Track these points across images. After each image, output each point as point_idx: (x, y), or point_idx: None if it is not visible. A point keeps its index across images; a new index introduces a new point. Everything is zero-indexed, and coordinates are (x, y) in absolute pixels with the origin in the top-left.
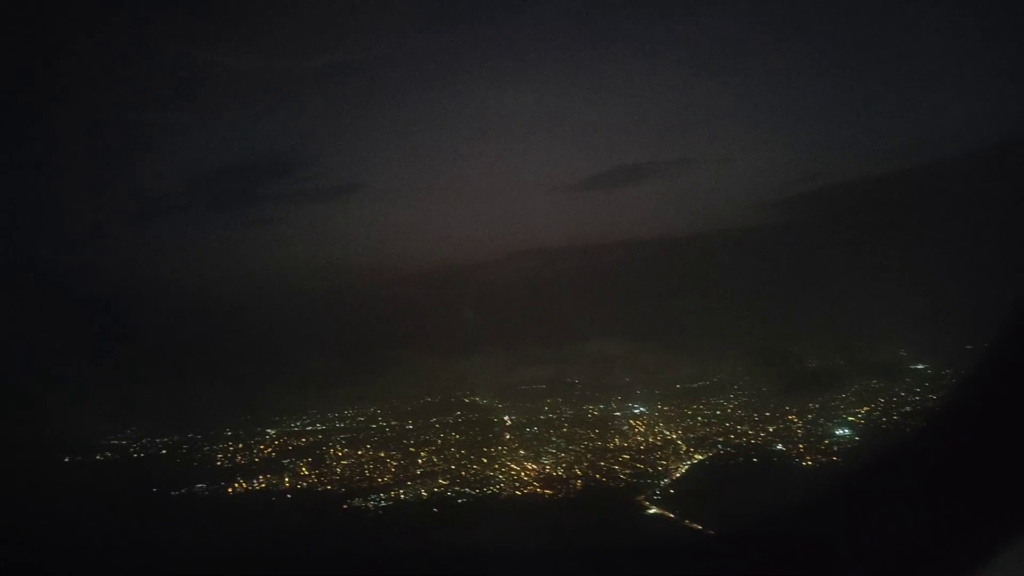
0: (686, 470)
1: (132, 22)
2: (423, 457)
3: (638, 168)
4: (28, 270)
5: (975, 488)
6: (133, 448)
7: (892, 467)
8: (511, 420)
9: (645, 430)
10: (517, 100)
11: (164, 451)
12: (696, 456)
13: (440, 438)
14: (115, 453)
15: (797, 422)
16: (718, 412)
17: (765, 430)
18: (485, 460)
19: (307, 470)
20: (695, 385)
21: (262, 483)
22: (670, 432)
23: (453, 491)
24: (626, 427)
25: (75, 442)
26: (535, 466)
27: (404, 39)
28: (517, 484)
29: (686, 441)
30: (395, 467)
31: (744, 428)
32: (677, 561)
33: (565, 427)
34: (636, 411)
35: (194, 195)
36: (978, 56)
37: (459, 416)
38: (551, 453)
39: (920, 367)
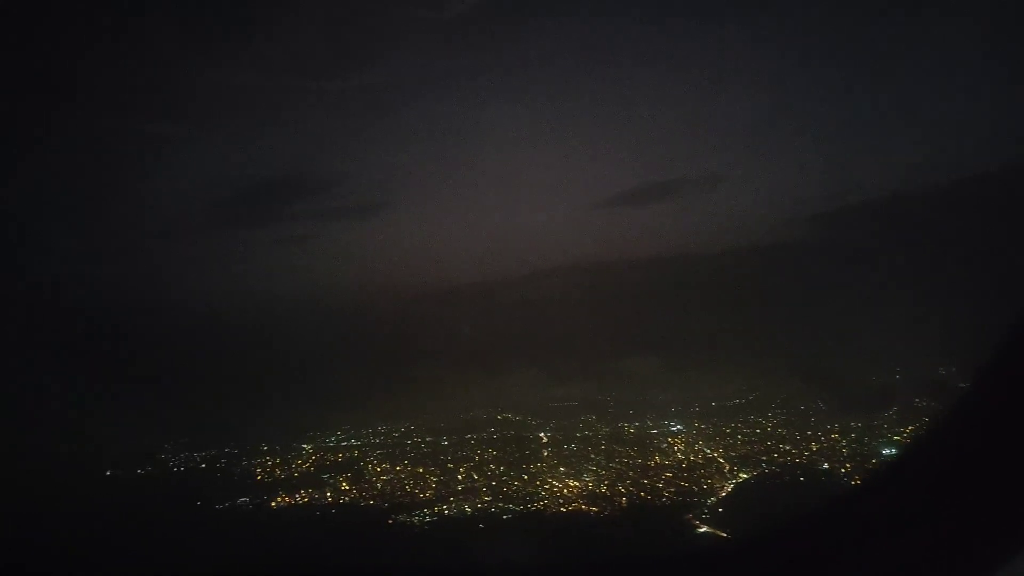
0: (732, 489)
1: (171, 43)
2: (462, 473)
3: (667, 184)
4: (58, 286)
5: (980, 498)
6: (173, 462)
7: (898, 476)
8: (547, 437)
9: (685, 448)
10: (545, 118)
11: (203, 465)
12: (741, 475)
13: (477, 454)
14: (155, 467)
15: (841, 441)
16: (758, 430)
17: (808, 449)
18: (526, 477)
19: (347, 485)
20: (731, 403)
21: (304, 497)
22: (711, 450)
23: (497, 507)
24: (665, 445)
25: (116, 456)
26: (577, 483)
27: (433, 59)
28: (561, 501)
29: (729, 460)
30: (435, 483)
31: (787, 447)
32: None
33: (603, 444)
34: (673, 429)
35: (224, 213)
36: (1015, 68)
37: (494, 433)
38: (592, 470)
39: (966, 384)
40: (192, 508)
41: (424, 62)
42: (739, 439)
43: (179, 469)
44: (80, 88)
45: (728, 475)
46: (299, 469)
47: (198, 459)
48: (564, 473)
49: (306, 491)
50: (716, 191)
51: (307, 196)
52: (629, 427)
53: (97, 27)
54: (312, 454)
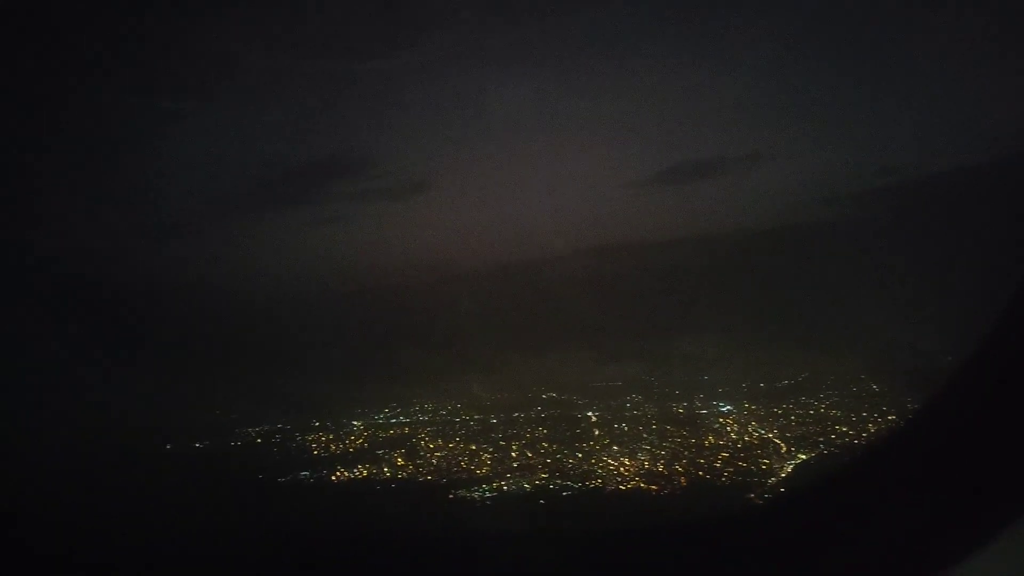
0: (792, 469)
1: (210, 23)
2: (516, 450)
3: (707, 163)
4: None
5: (970, 475)
6: (229, 436)
7: (888, 455)
8: (596, 416)
9: (738, 428)
10: (583, 95)
11: (259, 440)
12: (799, 456)
13: (528, 432)
14: (212, 441)
15: (900, 423)
16: (811, 412)
17: (866, 430)
18: (579, 455)
19: (403, 460)
20: (780, 384)
21: (363, 472)
22: (765, 431)
23: (555, 484)
24: (717, 425)
25: (172, 431)
26: (632, 462)
27: (470, 38)
28: (618, 479)
29: (785, 440)
30: (490, 460)
31: (843, 428)
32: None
33: (654, 424)
34: (723, 409)
35: (263, 194)
36: None
37: (541, 412)
38: (645, 449)
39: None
40: (256, 480)
41: (464, 41)
42: (792, 420)
43: (236, 444)
44: (114, 68)
45: (786, 456)
46: (353, 445)
47: (253, 434)
48: (618, 452)
49: (363, 466)
50: (757, 169)
51: (344, 177)
52: (677, 407)
53: (133, 7)
54: (363, 430)
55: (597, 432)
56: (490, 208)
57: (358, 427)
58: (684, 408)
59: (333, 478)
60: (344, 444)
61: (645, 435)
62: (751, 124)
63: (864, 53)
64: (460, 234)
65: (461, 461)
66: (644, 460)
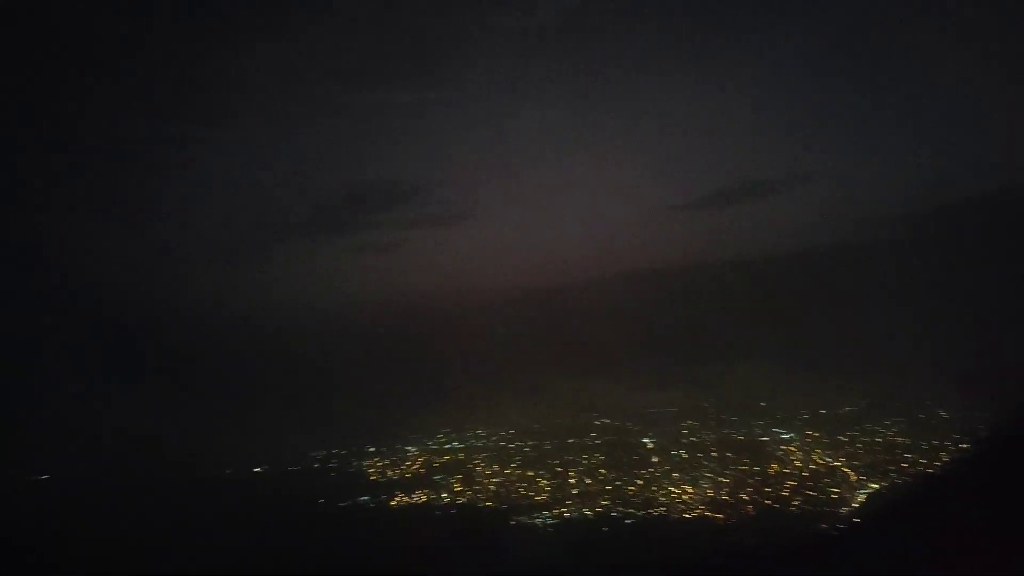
0: (864, 499)
1: (264, 60)
2: (574, 477)
3: (754, 185)
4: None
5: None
6: (287, 461)
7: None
8: (652, 443)
9: (803, 456)
10: (627, 120)
11: (316, 464)
12: (871, 485)
13: (584, 459)
14: (271, 466)
15: (973, 450)
16: (878, 439)
17: (938, 459)
18: (640, 482)
19: (460, 486)
20: (842, 411)
21: (422, 497)
22: (831, 459)
23: (618, 511)
24: (780, 453)
25: (228, 457)
26: (695, 489)
27: (514, 68)
28: (682, 507)
29: (854, 469)
30: (548, 487)
31: (915, 456)
32: None
33: (714, 451)
34: (784, 436)
35: (312, 223)
36: None
37: (596, 438)
38: (708, 477)
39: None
40: (316, 505)
41: (509, 71)
42: (859, 448)
43: (294, 468)
44: (167, 98)
45: (856, 485)
46: (409, 470)
47: (310, 459)
48: (679, 479)
49: (422, 491)
50: (804, 190)
51: (391, 206)
52: (736, 434)
53: (199, 39)
54: (419, 456)
55: (655, 459)
56: (535, 233)
57: (413, 452)
58: (743, 435)
59: (392, 503)
60: (400, 469)
61: (706, 462)
62: (797, 145)
63: (915, 74)
64: (505, 259)
65: (520, 488)
66: (707, 488)
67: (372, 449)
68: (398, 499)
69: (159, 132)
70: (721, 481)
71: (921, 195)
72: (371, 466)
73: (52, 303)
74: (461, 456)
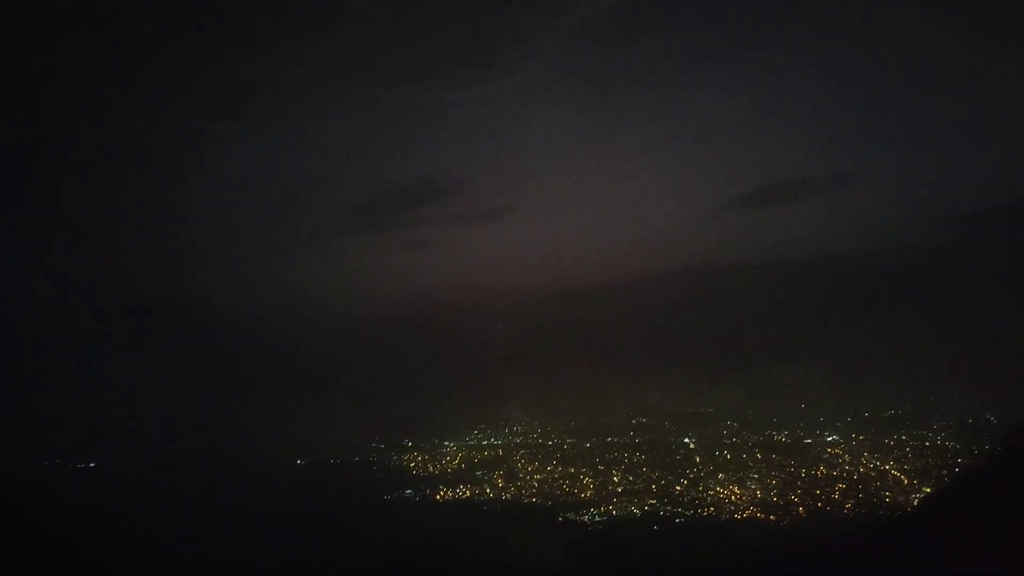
0: (918, 503)
1: (319, 58)
2: (616, 475)
3: (792, 185)
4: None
5: None
6: (329, 455)
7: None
8: (694, 444)
9: (851, 460)
10: (667, 119)
11: (356, 458)
12: (924, 489)
13: (626, 457)
14: (312, 459)
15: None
16: (927, 444)
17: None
18: (685, 482)
19: (503, 482)
20: (886, 415)
21: (466, 492)
22: (880, 463)
23: (666, 510)
24: (826, 456)
25: (275, 450)
26: (742, 490)
27: (554, 65)
28: (731, 507)
29: (904, 473)
30: (592, 484)
31: (967, 461)
32: None
33: (758, 453)
34: (829, 439)
35: (353, 219)
36: None
37: (635, 437)
38: (754, 478)
39: None
40: (361, 498)
41: (550, 69)
42: (908, 452)
43: (336, 461)
44: (218, 97)
45: (909, 489)
46: (450, 466)
47: (351, 452)
48: (725, 480)
49: (465, 486)
50: (846, 191)
51: (432, 203)
52: (778, 436)
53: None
54: (457, 451)
55: (698, 459)
56: (572, 231)
57: (451, 447)
58: (786, 437)
59: (438, 497)
60: (441, 464)
61: (750, 464)
62: (839, 145)
63: (962, 70)
64: (543, 257)
65: (563, 484)
66: (755, 489)
67: (410, 444)
68: (442, 493)
69: (203, 128)
70: (769, 483)
71: (967, 197)
72: (411, 460)
73: (96, 300)
74: (501, 452)
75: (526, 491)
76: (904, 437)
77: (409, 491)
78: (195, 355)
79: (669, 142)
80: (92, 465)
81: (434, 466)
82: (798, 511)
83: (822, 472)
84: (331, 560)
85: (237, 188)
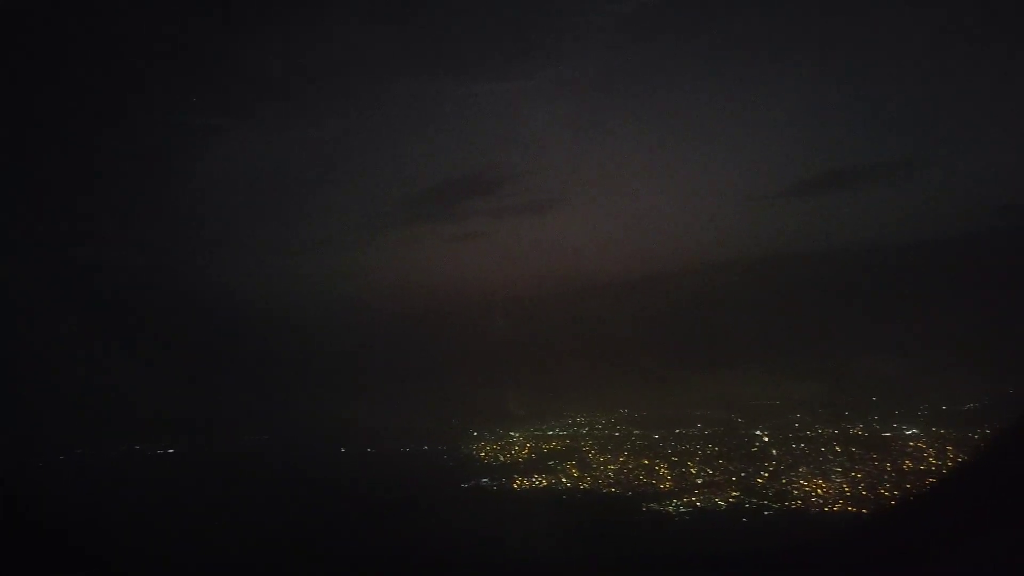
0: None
1: (367, 52)
2: (693, 467)
3: (851, 171)
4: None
5: None
6: (398, 442)
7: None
8: (767, 436)
9: (936, 453)
10: (718, 104)
11: (426, 447)
12: None
13: (699, 449)
14: (382, 446)
15: None
16: None
17: None
18: (765, 475)
19: (577, 472)
20: (965, 407)
21: (541, 481)
22: (967, 456)
23: (751, 503)
24: (909, 449)
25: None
26: (828, 484)
27: (604, 55)
28: (819, 501)
29: None
30: (670, 475)
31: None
32: None
33: (837, 446)
34: (908, 432)
35: (405, 212)
36: None
37: (704, 429)
38: (837, 472)
39: None
40: (439, 484)
41: (601, 58)
42: None
43: (405, 449)
44: (267, 93)
45: None
46: (519, 455)
47: (420, 440)
48: (807, 473)
49: (540, 475)
50: (908, 178)
51: (482, 195)
52: (854, 429)
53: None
54: (524, 441)
55: (775, 452)
56: (624, 222)
57: (517, 438)
58: (862, 430)
59: (515, 485)
60: (512, 454)
61: (831, 457)
62: (903, 128)
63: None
64: (595, 247)
65: (640, 475)
66: (841, 483)
67: (475, 433)
68: (519, 482)
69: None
70: (855, 476)
71: None
72: (480, 450)
73: (150, 294)
74: (569, 443)
75: (603, 481)
76: (987, 430)
77: (485, 479)
78: (254, 350)
79: (721, 127)
80: (171, 451)
81: (505, 455)
82: (890, 504)
83: (908, 466)
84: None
85: (286, 181)
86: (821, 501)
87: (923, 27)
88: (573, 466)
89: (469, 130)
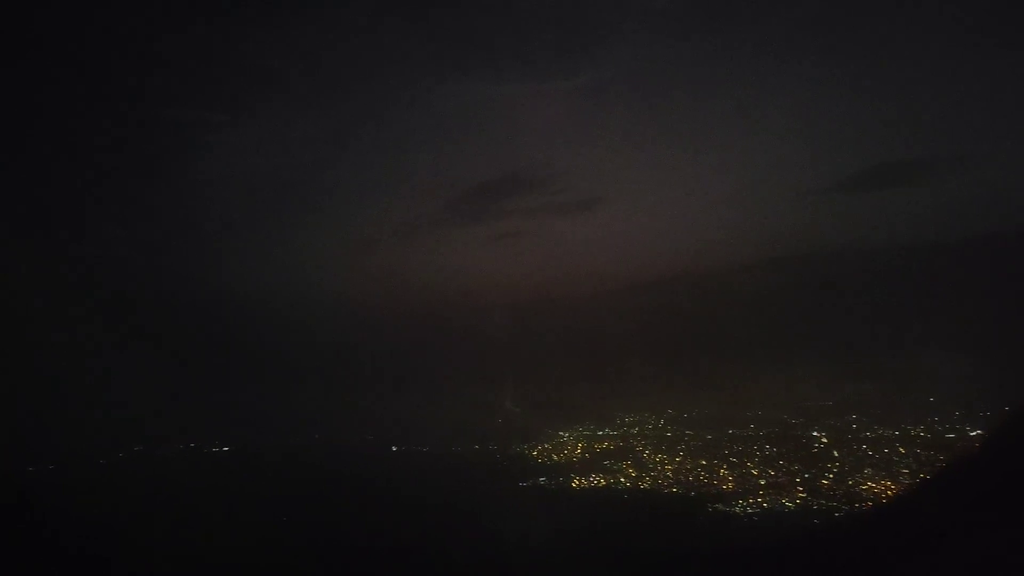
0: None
1: (418, 58)
2: (753, 468)
3: (904, 166)
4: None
5: None
6: (450, 442)
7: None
8: (826, 437)
9: None
10: (763, 99)
11: (476, 446)
12: None
13: (756, 450)
14: (434, 446)
15: None
16: None
17: None
18: (830, 475)
19: (634, 472)
20: None
21: (599, 480)
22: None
23: (820, 504)
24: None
25: (396, 435)
26: (896, 486)
27: (646, 52)
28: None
29: None
30: (731, 475)
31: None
32: None
33: (900, 447)
34: (972, 434)
35: (448, 212)
36: None
37: (758, 430)
38: (905, 473)
39: None
40: (497, 483)
41: (641, 55)
42: None
43: (455, 448)
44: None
45: None
46: (572, 455)
47: (471, 440)
48: (873, 475)
49: (597, 475)
50: (964, 173)
51: (523, 194)
52: (914, 430)
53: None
54: (576, 442)
55: (836, 453)
56: (665, 220)
57: (567, 438)
58: (923, 431)
59: (573, 484)
60: (564, 454)
61: (895, 458)
62: (957, 123)
63: None
64: (635, 245)
65: (700, 475)
66: (910, 484)
67: (525, 433)
68: (576, 481)
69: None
70: (924, 479)
71: None
72: (532, 449)
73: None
74: (621, 443)
75: (663, 481)
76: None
77: (543, 479)
78: (297, 351)
79: (766, 122)
80: (226, 449)
81: (558, 455)
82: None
83: None
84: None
85: (335, 184)
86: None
87: (983, 20)
88: (629, 466)
89: (509, 131)
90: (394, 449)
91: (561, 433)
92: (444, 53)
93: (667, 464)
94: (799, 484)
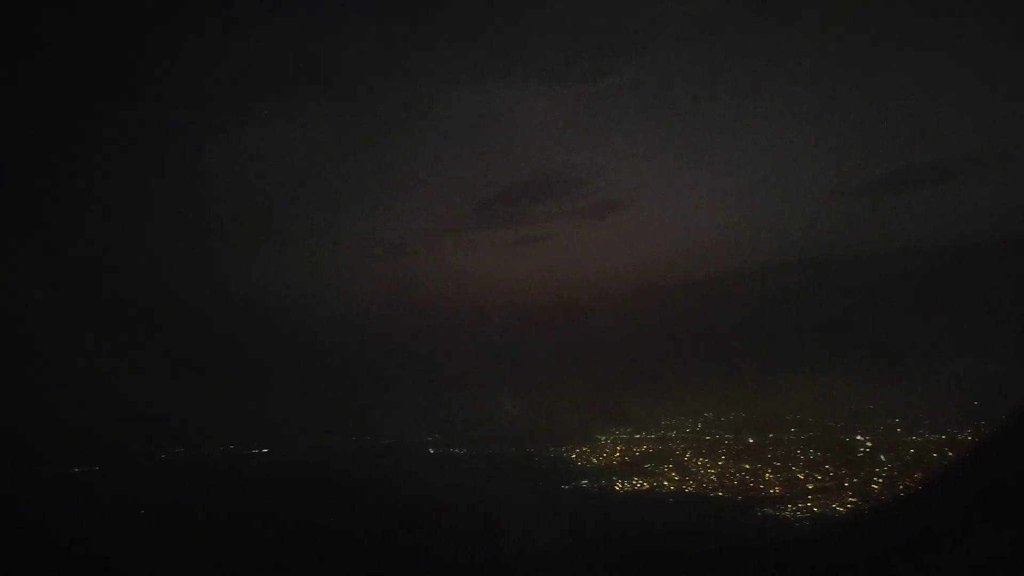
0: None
1: (444, 61)
2: (800, 472)
3: (933, 166)
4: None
5: None
6: (486, 445)
7: None
8: (871, 441)
9: None
10: (791, 97)
11: (514, 448)
12: None
13: (799, 454)
14: (470, 448)
15: None
16: None
17: None
18: (880, 480)
19: (677, 475)
20: None
21: (643, 484)
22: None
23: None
24: None
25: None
26: None
27: (673, 55)
28: None
29: None
30: (777, 480)
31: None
32: None
33: (948, 451)
34: None
35: (476, 216)
36: None
37: (799, 434)
38: None
39: None
40: (538, 486)
41: (665, 62)
42: None
43: (491, 452)
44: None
45: None
46: (612, 458)
47: (506, 444)
48: (923, 479)
49: (640, 478)
50: (998, 172)
51: (550, 197)
52: (962, 435)
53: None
54: (614, 445)
55: (883, 458)
56: (693, 222)
57: (605, 441)
58: (971, 435)
59: (617, 487)
60: (605, 457)
61: (945, 463)
62: (986, 123)
63: None
64: (664, 249)
65: (746, 479)
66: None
67: (562, 436)
68: (619, 484)
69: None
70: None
71: None
72: (570, 452)
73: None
74: (660, 447)
75: (707, 484)
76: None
77: (585, 481)
78: (326, 353)
79: (795, 121)
80: (264, 451)
81: (597, 458)
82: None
83: None
84: (542, 548)
85: (362, 187)
86: None
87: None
88: (671, 469)
89: (537, 134)
90: (431, 452)
91: (598, 436)
92: (469, 57)
93: (709, 468)
94: (848, 489)
